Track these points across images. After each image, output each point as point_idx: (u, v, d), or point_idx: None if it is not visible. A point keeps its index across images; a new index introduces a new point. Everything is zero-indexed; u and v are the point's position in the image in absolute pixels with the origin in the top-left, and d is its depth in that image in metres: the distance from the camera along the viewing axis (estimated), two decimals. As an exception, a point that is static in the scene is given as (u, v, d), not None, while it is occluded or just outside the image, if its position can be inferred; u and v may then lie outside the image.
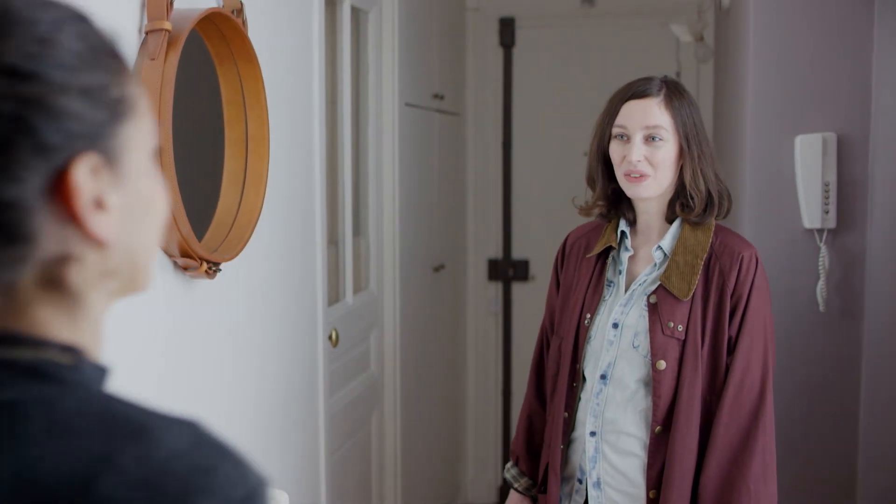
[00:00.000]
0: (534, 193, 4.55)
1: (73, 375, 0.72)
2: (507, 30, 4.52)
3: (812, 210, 2.50)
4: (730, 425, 1.85)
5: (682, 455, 1.85)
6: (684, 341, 1.87)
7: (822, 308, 2.52)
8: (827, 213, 2.50)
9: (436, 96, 3.84)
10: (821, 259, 2.51)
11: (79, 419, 0.68)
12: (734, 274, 1.87)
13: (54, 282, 0.70)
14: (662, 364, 1.87)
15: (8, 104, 0.65)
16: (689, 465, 1.86)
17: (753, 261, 1.89)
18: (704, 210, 1.91)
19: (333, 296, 2.93)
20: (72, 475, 0.65)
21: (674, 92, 1.90)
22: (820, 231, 2.52)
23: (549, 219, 4.50)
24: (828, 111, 2.52)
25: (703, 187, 1.89)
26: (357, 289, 3.14)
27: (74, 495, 0.65)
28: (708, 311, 1.88)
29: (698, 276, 1.88)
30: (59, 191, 0.68)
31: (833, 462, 2.59)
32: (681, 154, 1.90)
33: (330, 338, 2.71)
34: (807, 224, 2.52)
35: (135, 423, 0.69)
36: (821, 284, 2.51)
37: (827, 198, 2.50)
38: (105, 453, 0.66)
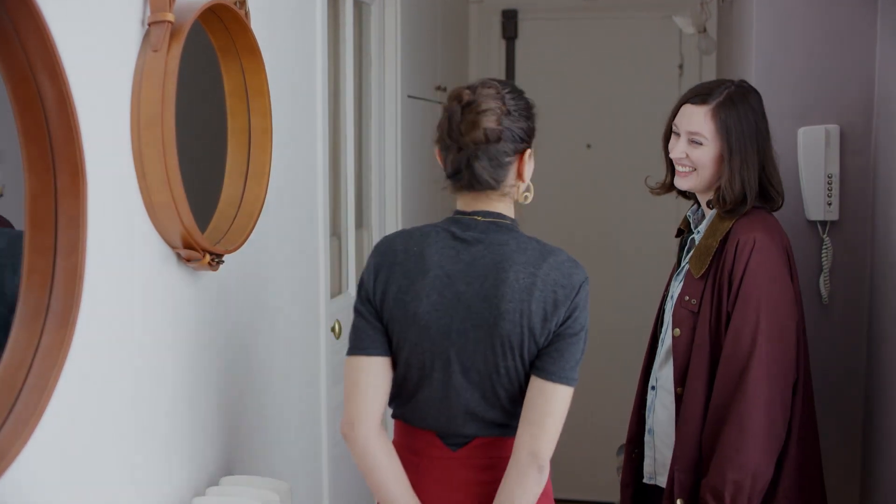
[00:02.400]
0: (536, 185, 4.53)
1: (519, 229, 1.79)
2: (509, 22, 4.51)
3: (815, 202, 2.50)
4: (718, 393, 2.05)
5: (687, 415, 2.10)
6: (697, 314, 2.11)
7: (824, 300, 2.53)
8: (830, 205, 2.50)
9: (438, 88, 3.84)
10: (824, 251, 2.51)
11: (527, 245, 1.76)
12: (731, 257, 2.07)
13: (505, 195, 1.77)
14: (678, 332, 2.14)
15: (518, 127, 1.75)
16: (695, 425, 2.09)
17: (749, 245, 2.05)
18: (736, 207, 2.11)
19: (336, 288, 2.93)
20: (531, 262, 1.73)
21: (728, 101, 2.11)
22: (823, 223, 2.52)
23: (551, 211, 4.50)
24: (830, 103, 2.52)
25: (737, 189, 2.10)
26: (360, 281, 3.14)
27: (534, 269, 1.72)
28: (714, 288, 2.09)
29: (711, 257, 2.10)
30: (518, 162, 1.76)
31: (836, 453, 2.59)
32: (722, 157, 2.12)
33: (333, 329, 2.71)
34: (810, 216, 2.52)
35: (548, 247, 1.77)
36: (824, 276, 2.51)
37: (830, 190, 2.50)
38: (543, 256, 1.74)
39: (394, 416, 1.87)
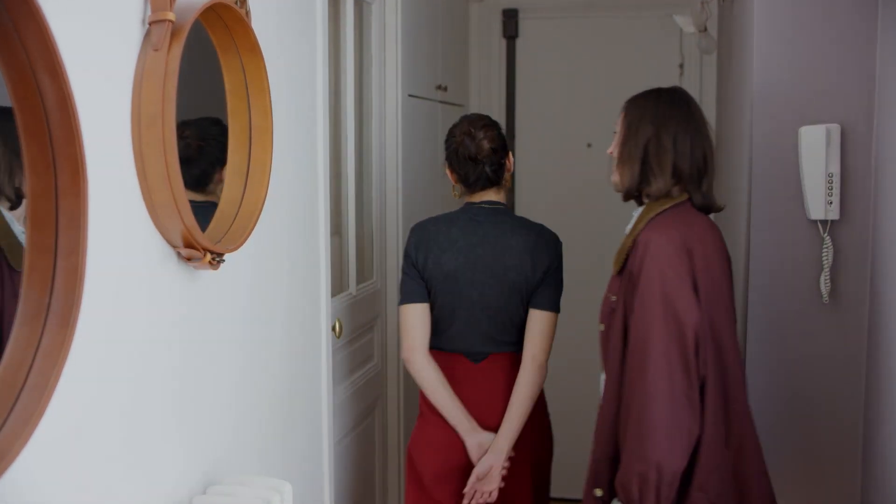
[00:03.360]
0: (537, 184, 4.54)
1: (512, 212, 2.70)
2: (510, 21, 4.51)
3: (816, 201, 2.50)
4: (624, 388, 2.15)
5: (603, 408, 2.24)
6: (615, 310, 2.21)
7: (825, 299, 2.52)
8: (830, 204, 2.50)
9: (439, 87, 3.84)
10: (824, 250, 2.51)
11: (520, 222, 2.67)
12: (634, 256, 2.17)
13: (501, 187, 2.70)
14: (601, 326, 2.29)
15: (500, 142, 2.69)
16: (611, 412, 2.20)
17: (644, 245, 2.14)
18: (626, 198, 2.31)
19: (337, 286, 2.93)
20: (525, 232, 2.65)
21: (635, 96, 2.29)
22: (823, 222, 2.52)
23: (552, 210, 4.50)
24: (832, 102, 2.52)
25: (616, 179, 2.31)
26: (360, 279, 3.14)
27: (526, 236, 2.65)
28: (626, 285, 2.19)
29: (626, 255, 2.21)
30: (507, 161, 2.69)
31: (835, 454, 2.59)
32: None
33: (333, 328, 2.71)
34: (810, 215, 2.52)
35: (536, 223, 2.69)
36: (824, 276, 2.51)
37: (830, 189, 2.50)
38: (532, 228, 2.67)
39: (431, 347, 2.65)
